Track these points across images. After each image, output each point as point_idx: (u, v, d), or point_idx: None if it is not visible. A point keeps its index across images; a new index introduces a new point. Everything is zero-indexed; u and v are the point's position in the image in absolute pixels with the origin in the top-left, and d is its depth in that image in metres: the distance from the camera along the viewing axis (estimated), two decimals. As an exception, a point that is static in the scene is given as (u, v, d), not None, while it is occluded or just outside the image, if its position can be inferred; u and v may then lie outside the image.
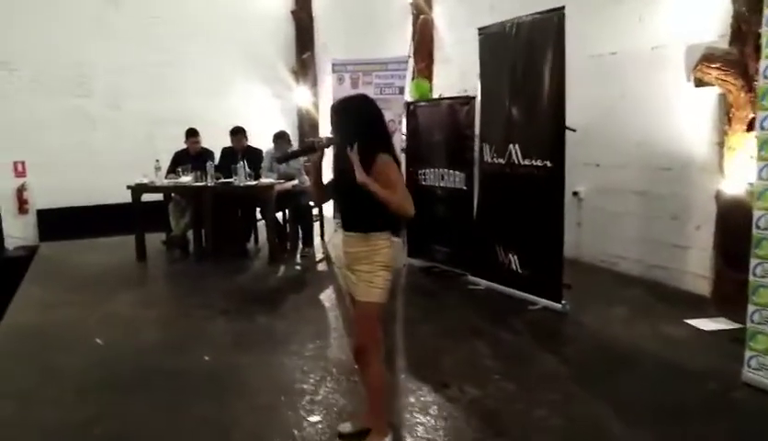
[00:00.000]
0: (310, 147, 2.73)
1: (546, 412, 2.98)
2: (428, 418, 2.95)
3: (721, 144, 4.59)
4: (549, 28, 4.40)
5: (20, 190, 8.33)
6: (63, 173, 8.09)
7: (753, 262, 3.11)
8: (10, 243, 7.99)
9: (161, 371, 3.60)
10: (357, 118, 2.58)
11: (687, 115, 4.85)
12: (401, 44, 7.68)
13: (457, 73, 7.28)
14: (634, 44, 5.24)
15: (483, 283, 5.22)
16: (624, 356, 3.68)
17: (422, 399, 3.17)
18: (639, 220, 5.38)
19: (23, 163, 8.29)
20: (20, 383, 3.50)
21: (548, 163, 4.49)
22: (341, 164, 2.58)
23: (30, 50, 8.14)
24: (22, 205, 8.37)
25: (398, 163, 2.62)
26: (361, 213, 2.56)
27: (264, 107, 9.58)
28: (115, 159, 8.09)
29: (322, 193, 2.77)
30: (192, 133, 7.04)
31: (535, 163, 4.59)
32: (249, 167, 6.45)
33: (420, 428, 2.86)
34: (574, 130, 4.41)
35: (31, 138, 8.13)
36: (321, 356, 3.81)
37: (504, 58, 4.87)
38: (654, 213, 5.24)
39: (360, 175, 2.41)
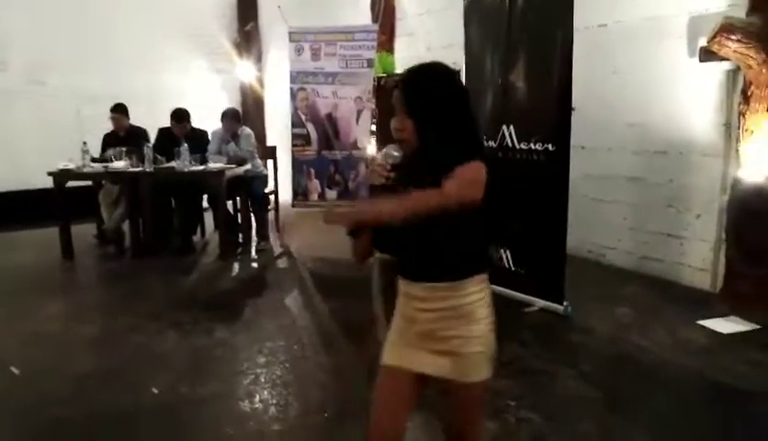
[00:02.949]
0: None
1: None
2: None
3: (729, 125, 4.25)
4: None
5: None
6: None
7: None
8: None
9: (93, 416, 2.83)
10: (441, 100, 1.61)
11: (688, 93, 4.47)
12: (360, 13, 6.98)
13: (423, 47, 6.70)
14: (626, 15, 4.81)
15: (468, 280, 4.68)
16: (651, 372, 3.21)
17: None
18: (630, 209, 5.00)
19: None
20: None
21: (550, 147, 3.97)
22: (408, 179, 1.62)
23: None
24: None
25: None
26: (446, 252, 1.62)
27: (204, 82, 8.77)
28: (38, 140, 7.18)
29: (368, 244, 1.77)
30: (115, 109, 6.08)
31: (534, 147, 4.06)
32: (193, 150, 5.64)
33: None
34: (573, 109, 3.95)
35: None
36: (301, 381, 3.16)
37: (497, 27, 4.27)
38: (647, 201, 4.87)
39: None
